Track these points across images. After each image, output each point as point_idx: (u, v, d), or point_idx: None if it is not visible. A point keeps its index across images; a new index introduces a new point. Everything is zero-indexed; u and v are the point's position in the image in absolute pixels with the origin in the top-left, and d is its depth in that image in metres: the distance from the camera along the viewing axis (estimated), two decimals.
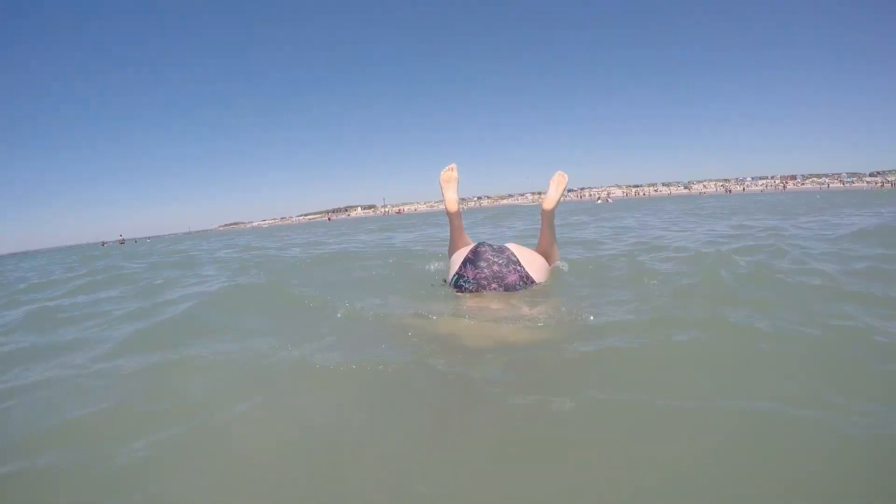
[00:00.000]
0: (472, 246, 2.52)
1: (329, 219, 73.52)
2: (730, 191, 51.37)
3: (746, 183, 61.29)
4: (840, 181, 55.17)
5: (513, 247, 2.54)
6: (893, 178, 50.73)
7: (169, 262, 6.85)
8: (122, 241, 41.88)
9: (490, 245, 2.52)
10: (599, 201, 32.91)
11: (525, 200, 67.34)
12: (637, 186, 68.12)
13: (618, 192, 61.64)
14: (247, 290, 3.14)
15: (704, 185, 63.93)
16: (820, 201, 14.65)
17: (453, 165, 2.79)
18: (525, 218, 13.17)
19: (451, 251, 2.68)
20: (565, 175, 2.75)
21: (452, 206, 2.69)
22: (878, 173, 55.85)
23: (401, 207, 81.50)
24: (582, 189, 66.77)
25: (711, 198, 30.57)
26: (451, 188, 2.74)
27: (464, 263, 2.43)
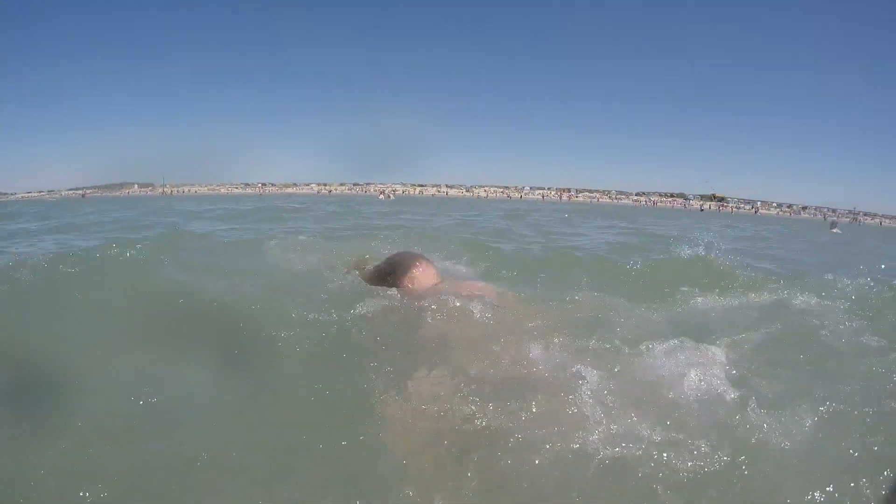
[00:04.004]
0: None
1: (84, 195, 58.73)
2: (510, 196, 56.08)
3: (525, 191, 67.25)
4: (610, 197, 61.61)
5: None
6: (638, 198, 60.83)
7: None
8: None
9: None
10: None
11: (310, 190, 65.86)
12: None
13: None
14: None
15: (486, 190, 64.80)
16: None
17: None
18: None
19: None
20: None
21: None
22: (643, 193, 63.86)
23: (175, 189, 72.05)
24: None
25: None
26: None
27: None
